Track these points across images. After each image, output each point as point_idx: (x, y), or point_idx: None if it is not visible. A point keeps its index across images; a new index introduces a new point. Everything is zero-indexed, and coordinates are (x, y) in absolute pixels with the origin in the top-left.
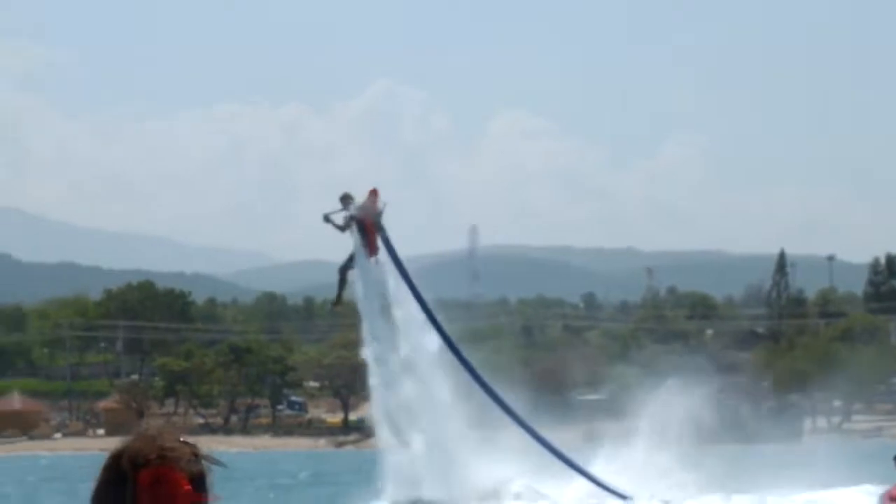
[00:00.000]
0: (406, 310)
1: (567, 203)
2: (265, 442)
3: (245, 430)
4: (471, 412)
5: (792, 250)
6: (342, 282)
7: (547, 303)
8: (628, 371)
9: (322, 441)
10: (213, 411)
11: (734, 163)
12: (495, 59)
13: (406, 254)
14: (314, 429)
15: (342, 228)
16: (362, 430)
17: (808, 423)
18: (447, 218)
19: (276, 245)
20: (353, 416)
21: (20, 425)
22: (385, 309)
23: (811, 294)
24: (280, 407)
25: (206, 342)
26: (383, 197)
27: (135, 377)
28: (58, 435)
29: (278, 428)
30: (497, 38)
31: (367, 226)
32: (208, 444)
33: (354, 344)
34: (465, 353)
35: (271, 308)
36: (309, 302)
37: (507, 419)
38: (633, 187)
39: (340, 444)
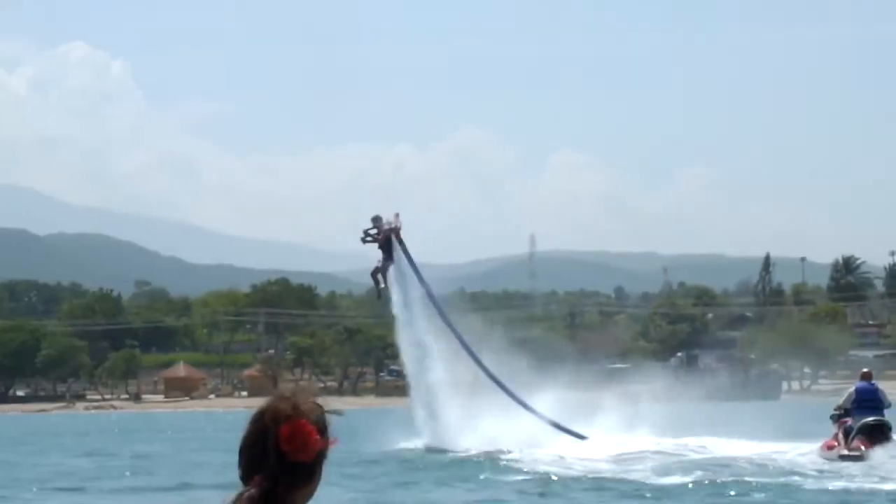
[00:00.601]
0: (419, 307)
1: (605, 217)
2: (370, 401)
3: (355, 392)
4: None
5: (774, 253)
6: (376, 282)
7: (586, 294)
8: (648, 346)
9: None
10: (331, 378)
11: (733, 185)
12: (553, 105)
13: (482, 256)
14: (407, 390)
15: (375, 240)
16: None
17: (784, 386)
18: (513, 229)
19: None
20: None
21: (185, 388)
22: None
23: (787, 287)
24: (382, 374)
25: (326, 325)
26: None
27: (271, 352)
28: (212, 396)
29: (380, 390)
30: (555, 87)
31: (389, 239)
32: (328, 402)
33: None
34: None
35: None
36: None
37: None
38: (656, 205)
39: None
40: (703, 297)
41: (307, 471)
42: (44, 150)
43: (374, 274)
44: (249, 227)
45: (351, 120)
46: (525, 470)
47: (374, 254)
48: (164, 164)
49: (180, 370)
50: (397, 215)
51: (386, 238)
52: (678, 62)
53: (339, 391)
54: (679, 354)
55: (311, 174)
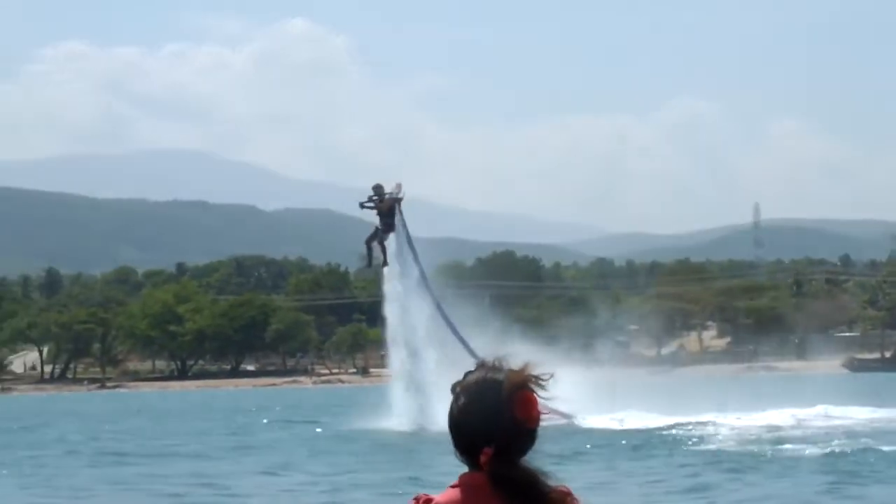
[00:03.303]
0: (410, 274)
1: (829, 185)
2: (596, 372)
3: (582, 363)
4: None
5: None
6: (369, 250)
7: (812, 262)
8: (877, 314)
9: (640, 370)
10: (556, 350)
11: None
12: (774, 73)
13: (706, 226)
14: (634, 360)
15: (377, 208)
16: (672, 361)
17: None
18: (737, 198)
19: (607, 220)
20: (664, 351)
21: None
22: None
23: None
24: (608, 344)
25: (551, 296)
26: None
27: (497, 324)
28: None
29: (606, 360)
30: (776, 55)
31: (386, 210)
32: (558, 372)
33: (665, 296)
34: (452, 316)
35: (602, 269)
36: (630, 264)
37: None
38: (880, 171)
39: (654, 373)
40: None
41: (533, 436)
42: (269, 126)
43: (368, 242)
44: (472, 199)
45: (572, 92)
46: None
47: (609, 225)
48: (387, 138)
49: None
50: (400, 185)
51: (389, 207)
52: None
53: (566, 362)
54: None
55: (533, 146)
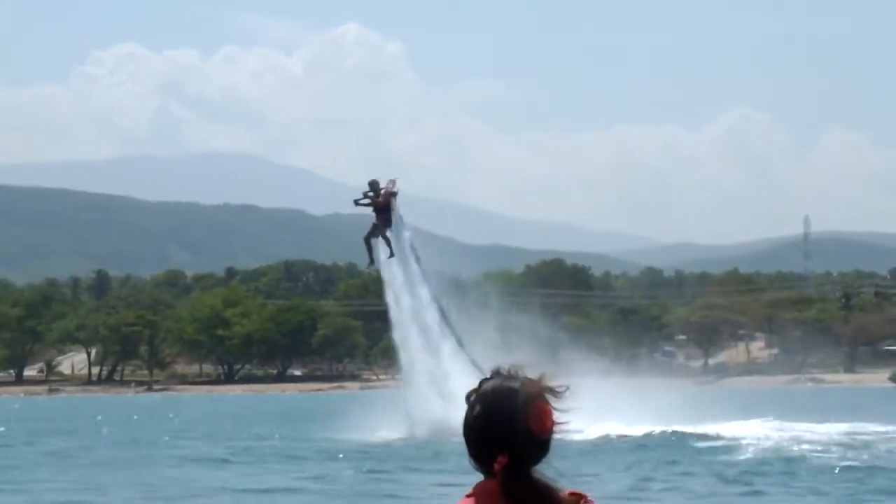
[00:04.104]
0: (407, 268)
1: (879, 197)
2: (642, 383)
3: (628, 373)
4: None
5: None
6: (369, 248)
7: (862, 275)
8: None
9: (687, 381)
10: (604, 358)
11: None
12: (823, 84)
13: (755, 237)
14: (681, 370)
15: (373, 204)
16: (719, 372)
17: None
18: (786, 209)
19: (656, 230)
20: (711, 362)
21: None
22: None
23: None
24: (655, 354)
25: (601, 305)
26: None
27: (545, 333)
28: None
29: (653, 370)
30: (825, 66)
31: (383, 205)
32: (599, 385)
33: (715, 306)
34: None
35: (651, 279)
36: (679, 274)
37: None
38: None
39: (700, 383)
40: None
41: (546, 446)
42: (319, 131)
43: (367, 239)
44: (521, 207)
45: (619, 101)
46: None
47: (660, 235)
48: (436, 144)
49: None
50: (394, 181)
51: (385, 201)
52: None
53: (612, 372)
54: None
55: (581, 154)
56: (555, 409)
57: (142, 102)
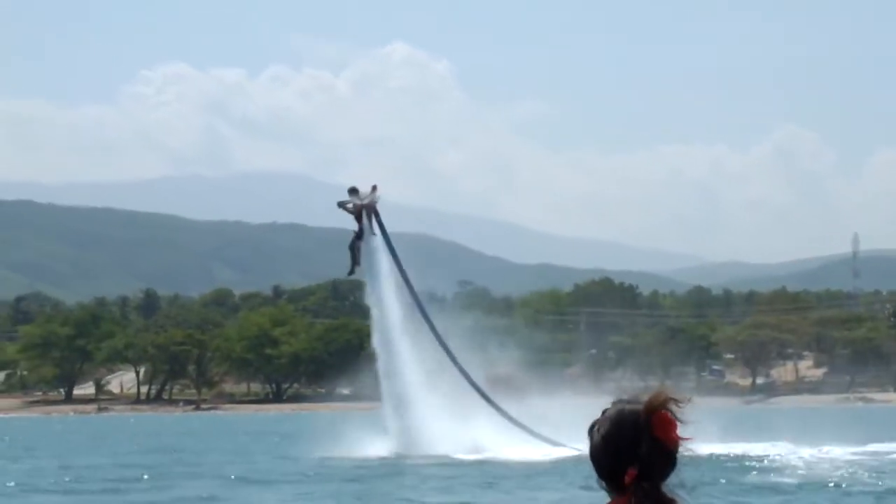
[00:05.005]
0: (374, 281)
1: None
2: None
3: (676, 392)
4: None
5: None
6: (353, 256)
7: None
8: None
9: (735, 400)
10: (652, 377)
11: None
12: (873, 103)
13: (804, 256)
14: (729, 389)
15: (351, 212)
16: (767, 391)
17: None
18: (835, 228)
19: (706, 248)
20: (759, 381)
21: (511, 386)
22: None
23: None
24: (703, 373)
25: (648, 324)
26: (381, 190)
27: (593, 351)
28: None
29: (701, 389)
30: (874, 84)
31: (364, 212)
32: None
33: (763, 325)
34: (433, 318)
35: (699, 298)
36: (727, 293)
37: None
38: None
39: (748, 402)
40: None
41: (672, 460)
42: (367, 150)
43: (351, 247)
44: (569, 225)
45: (667, 120)
46: None
47: (708, 254)
48: (484, 163)
49: (501, 369)
50: (374, 188)
51: (359, 211)
52: None
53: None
54: None
55: (629, 173)
56: (678, 420)
57: (189, 122)
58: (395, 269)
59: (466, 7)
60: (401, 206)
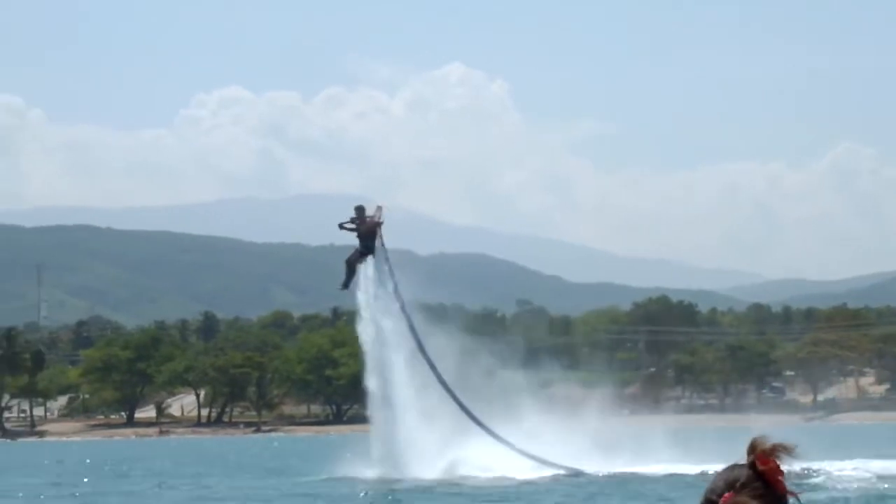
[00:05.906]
0: (389, 304)
1: None
2: (751, 419)
3: (736, 409)
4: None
5: None
6: (350, 272)
7: None
8: None
9: (795, 417)
10: (712, 395)
11: None
12: None
13: (864, 272)
14: (790, 407)
15: (354, 230)
16: (828, 408)
17: None
18: (894, 244)
19: (764, 266)
20: (820, 398)
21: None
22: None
23: None
24: (764, 390)
25: (707, 342)
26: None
27: (652, 370)
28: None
29: (762, 407)
30: None
31: (366, 233)
32: (707, 422)
33: (823, 342)
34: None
35: (759, 315)
36: (787, 310)
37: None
38: None
39: (809, 419)
40: None
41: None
42: (424, 171)
43: (348, 262)
44: (627, 244)
45: (724, 138)
46: None
47: (767, 271)
48: (542, 183)
49: (561, 389)
50: (380, 208)
51: (369, 230)
52: None
53: (721, 408)
54: None
55: (686, 192)
56: (785, 458)
57: (245, 144)
58: (394, 294)
59: (522, 27)
60: (458, 226)
